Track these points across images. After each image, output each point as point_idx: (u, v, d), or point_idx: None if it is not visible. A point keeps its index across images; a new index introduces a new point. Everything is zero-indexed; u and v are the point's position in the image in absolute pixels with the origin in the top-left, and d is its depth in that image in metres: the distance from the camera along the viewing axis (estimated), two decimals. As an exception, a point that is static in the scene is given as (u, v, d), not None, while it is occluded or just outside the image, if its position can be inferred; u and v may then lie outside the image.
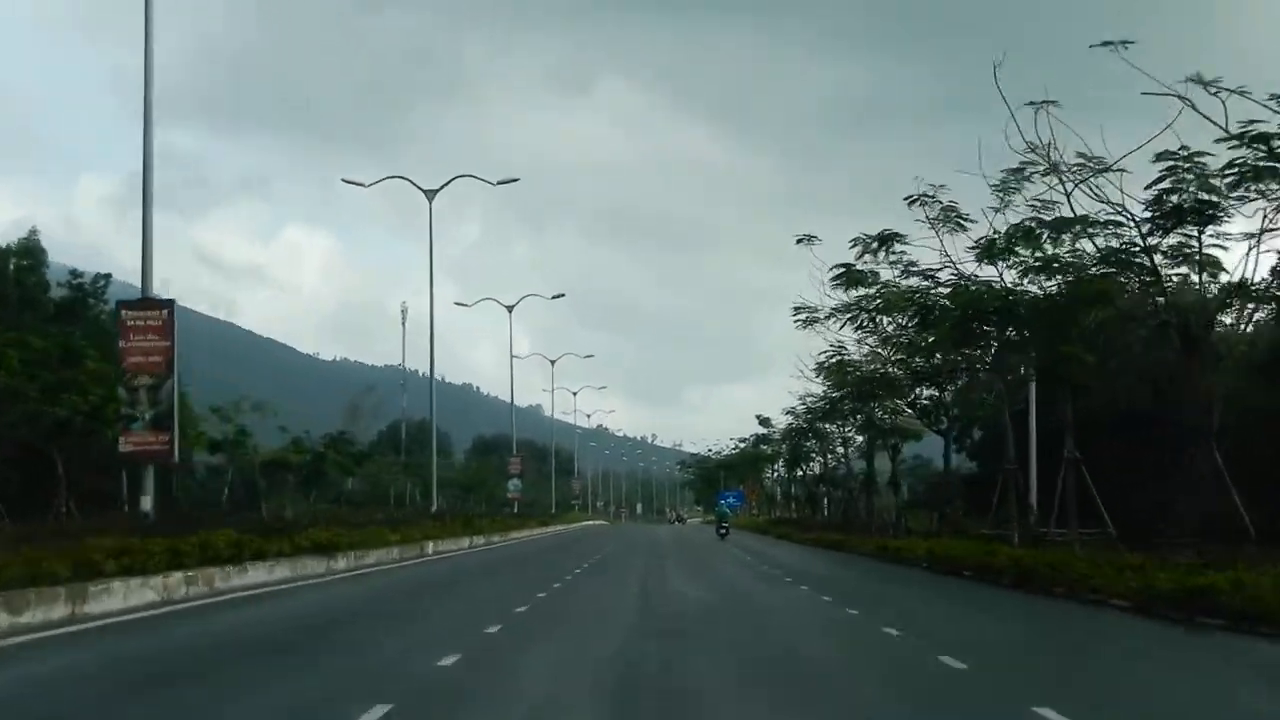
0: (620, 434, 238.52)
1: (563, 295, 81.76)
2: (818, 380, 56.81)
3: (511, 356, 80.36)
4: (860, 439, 65.22)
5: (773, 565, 35.11)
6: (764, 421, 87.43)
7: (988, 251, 31.16)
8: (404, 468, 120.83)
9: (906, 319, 38.35)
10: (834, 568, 34.49)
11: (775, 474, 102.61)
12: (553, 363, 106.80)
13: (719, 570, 33.04)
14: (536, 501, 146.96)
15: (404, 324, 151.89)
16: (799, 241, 40.31)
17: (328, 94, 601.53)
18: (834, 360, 47.03)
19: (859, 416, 57.15)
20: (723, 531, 67.55)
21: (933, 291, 34.16)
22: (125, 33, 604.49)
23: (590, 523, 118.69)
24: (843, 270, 34.25)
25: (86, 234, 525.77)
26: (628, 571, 31.56)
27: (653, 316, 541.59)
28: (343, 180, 53.18)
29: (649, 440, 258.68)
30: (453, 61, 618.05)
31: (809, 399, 60.54)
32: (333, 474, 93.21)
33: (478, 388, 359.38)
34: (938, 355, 40.42)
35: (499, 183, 55.07)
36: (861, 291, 34.64)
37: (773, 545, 55.66)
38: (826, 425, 66.33)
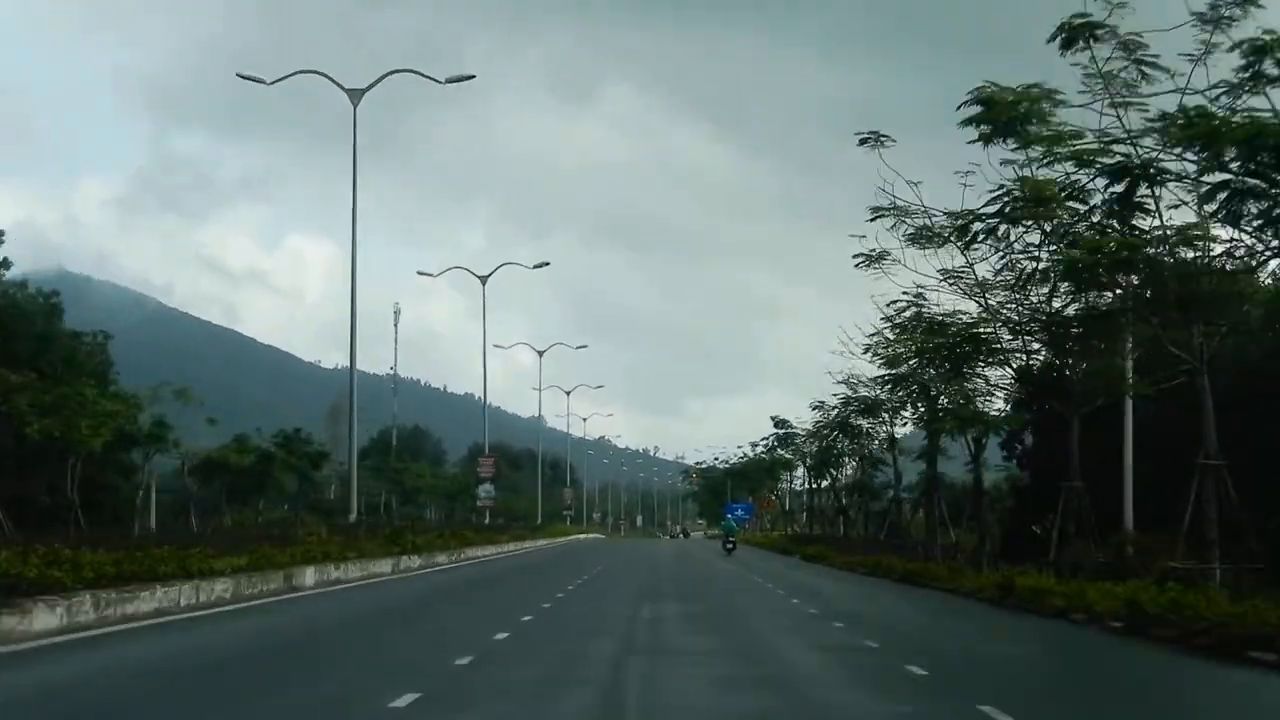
0: (622, 445, 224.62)
1: (547, 264, 66.91)
2: (865, 357, 42.57)
3: (484, 332, 65.45)
4: (907, 429, 50.46)
5: (847, 620, 20.04)
6: (780, 423, 72.71)
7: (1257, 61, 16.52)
8: (374, 473, 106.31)
9: (1051, 227, 23.92)
10: (973, 634, 19.31)
11: (793, 483, 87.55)
12: (540, 354, 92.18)
13: (762, 636, 17.87)
14: (529, 513, 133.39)
15: (396, 326, 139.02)
16: (862, 142, 26.50)
17: (328, 97, 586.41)
18: (907, 314, 32.56)
19: (919, 404, 42.75)
20: (729, 546, 60.34)
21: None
22: (124, 32, 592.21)
23: (583, 536, 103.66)
24: (980, 108, 19.44)
25: (87, 235, 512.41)
26: (596, 638, 16.65)
27: (653, 324, 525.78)
28: (238, 75, 38.53)
29: (651, 452, 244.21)
30: (453, 63, 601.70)
31: (854, 380, 45.80)
32: (283, 477, 78.44)
33: (479, 397, 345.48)
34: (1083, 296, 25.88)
35: (446, 81, 40.59)
36: (1013, 150, 19.83)
37: (809, 573, 40.60)
38: (865, 421, 51.54)
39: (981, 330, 31.08)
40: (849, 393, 49.21)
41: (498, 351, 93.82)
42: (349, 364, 39.50)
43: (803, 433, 67.38)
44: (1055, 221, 23.88)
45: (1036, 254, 25.36)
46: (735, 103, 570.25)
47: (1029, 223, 24.52)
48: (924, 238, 28.63)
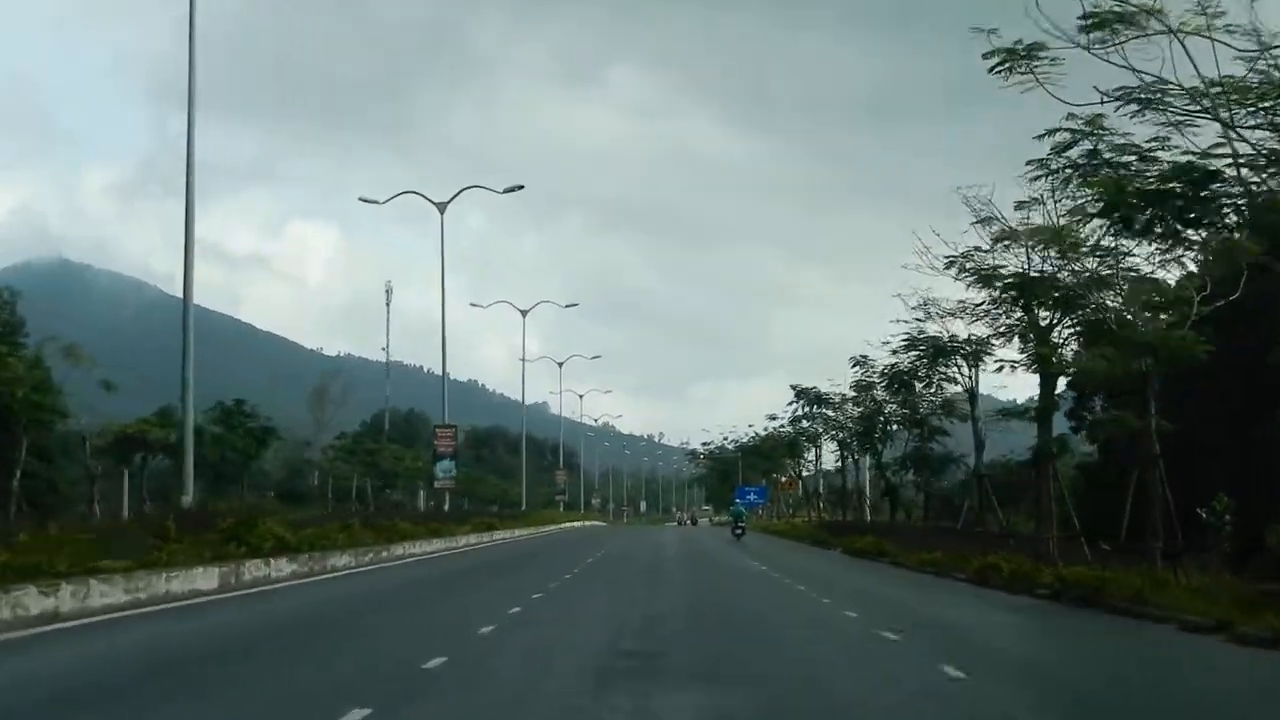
0: (626, 431, 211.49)
1: (520, 188, 52.71)
2: (949, 274, 29.52)
3: (443, 270, 51.48)
4: (1005, 375, 36.89)
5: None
6: (802, 392, 58.82)
7: None
8: (345, 454, 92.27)
9: None
10: None
11: (819, 461, 73.17)
12: (524, 313, 78.81)
13: None
14: (528, 497, 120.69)
15: (388, 305, 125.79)
16: None
17: (335, 81, 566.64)
18: (1074, 152, 19.20)
19: (1027, 336, 29.66)
20: (738, 531, 55.58)
21: None
22: (126, 17, 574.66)
23: (577, 524, 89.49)
24: None
25: (87, 223, 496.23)
26: None
27: (659, 309, 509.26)
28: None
29: (656, 438, 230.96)
30: (461, 47, 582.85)
31: (930, 306, 31.92)
32: (213, 455, 64.28)
33: (483, 384, 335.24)
34: None
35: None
36: None
37: (890, 584, 26.34)
38: (936, 370, 37.62)
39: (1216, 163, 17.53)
40: (915, 331, 35.54)
41: (504, 341, 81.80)
42: (181, 298, 25.37)
43: (837, 397, 53.53)
44: None
45: None
46: (745, 85, 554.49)
47: None
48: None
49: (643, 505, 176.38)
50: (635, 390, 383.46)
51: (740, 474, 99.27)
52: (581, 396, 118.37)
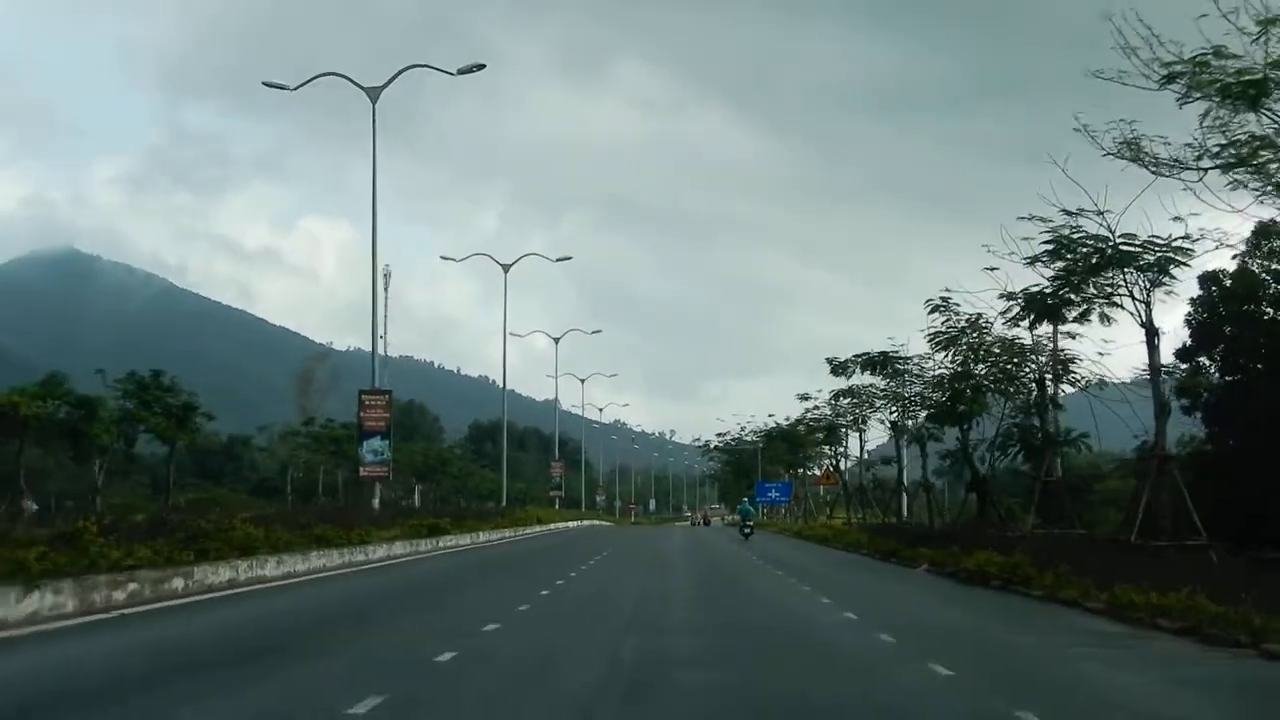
0: (637, 428, 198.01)
1: (482, 66, 38.99)
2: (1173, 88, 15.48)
3: (374, 199, 37.89)
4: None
5: None
6: (840, 367, 45.43)
7: None
8: (312, 441, 78.43)
9: None
10: None
11: (863, 449, 59.01)
12: (506, 268, 65.45)
13: None
14: (526, 494, 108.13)
15: (385, 290, 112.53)
16: None
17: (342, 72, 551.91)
18: None
19: None
20: (746, 531, 52.66)
21: None
22: (131, 3, 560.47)
23: (574, 524, 75.65)
24: None
25: (95, 214, 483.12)
26: None
27: (667, 307, 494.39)
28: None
29: (668, 435, 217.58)
30: (465, 44, 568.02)
31: (1141, 145, 18.14)
32: (104, 435, 50.29)
33: (493, 380, 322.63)
34: None
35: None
36: None
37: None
38: (1106, 286, 23.83)
39: None
40: (1069, 229, 21.98)
41: (515, 339, 69.13)
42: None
43: (912, 359, 39.67)
44: None
45: None
46: (750, 82, 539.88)
47: None
48: None
49: (651, 503, 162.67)
50: (645, 389, 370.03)
51: (760, 468, 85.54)
52: (583, 381, 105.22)
